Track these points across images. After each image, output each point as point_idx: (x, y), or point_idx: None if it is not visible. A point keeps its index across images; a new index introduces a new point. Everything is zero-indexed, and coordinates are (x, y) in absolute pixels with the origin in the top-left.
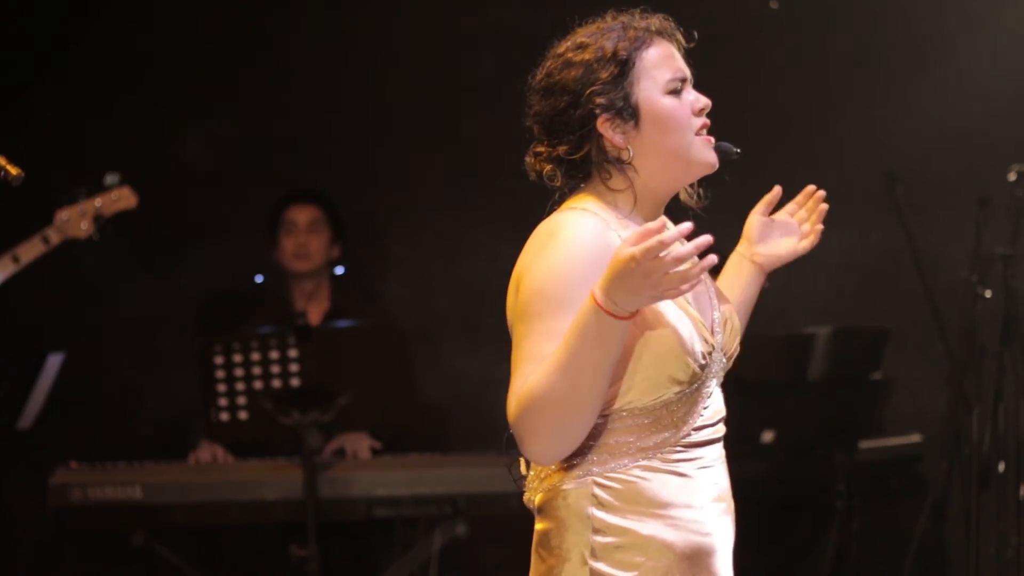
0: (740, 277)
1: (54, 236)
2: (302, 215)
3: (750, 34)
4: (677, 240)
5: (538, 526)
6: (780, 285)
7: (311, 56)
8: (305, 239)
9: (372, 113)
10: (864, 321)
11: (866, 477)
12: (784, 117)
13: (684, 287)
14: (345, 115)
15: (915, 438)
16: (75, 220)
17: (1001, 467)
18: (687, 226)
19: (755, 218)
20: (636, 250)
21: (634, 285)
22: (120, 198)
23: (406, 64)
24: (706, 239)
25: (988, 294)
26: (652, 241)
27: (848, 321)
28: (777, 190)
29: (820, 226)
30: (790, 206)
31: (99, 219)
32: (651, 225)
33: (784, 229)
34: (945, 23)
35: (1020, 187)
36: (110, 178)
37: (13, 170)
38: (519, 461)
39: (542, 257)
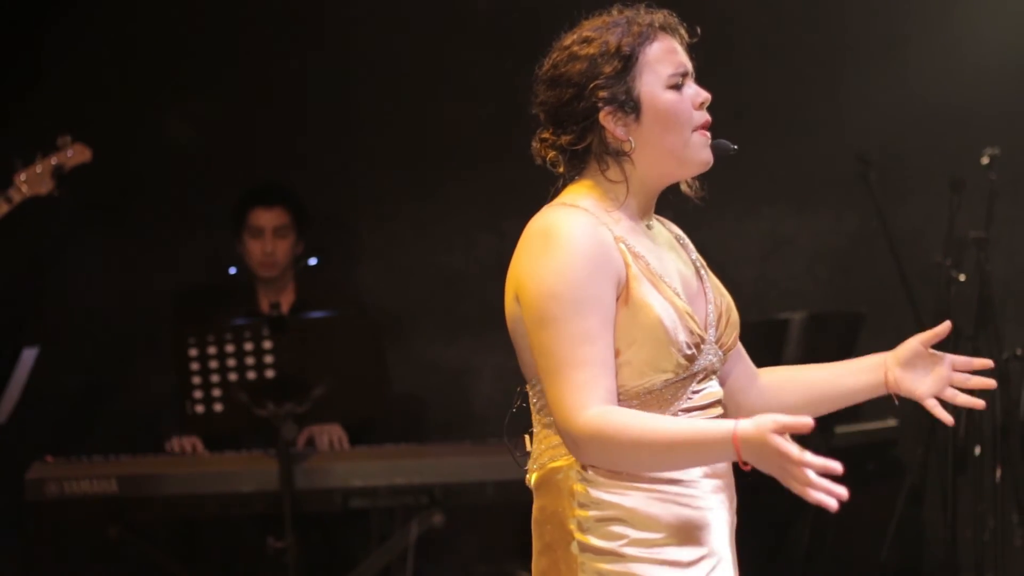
0: (860, 375)
1: (16, 195)
2: (268, 219)
3: (721, 21)
4: (822, 465)
5: (536, 503)
6: (755, 271)
7: (282, 45)
8: (272, 247)
9: (344, 102)
10: (838, 306)
11: (842, 461)
12: (756, 104)
13: (809, 492)
14: (317, 104)
15: (891, 423)
16: (35, 179)
17: (977, 451)
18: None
19: (915, 343)
20: (794, 455)
21: (768, 464)
22: (76, 153)
23: (377, 52)
24: (835, 467)
25: (962, 278)
26: (815, 464)
27: (823, 306)
28: (947, 325)
29: (967, 398)
30: (959, 359)
31: (58, 174)
32: (805, 422)
33: (934, 369)
34: (917, 6)
35: (993, 170)
36: (62, 139)
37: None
38: (524, 440)
39: (543, 260)
